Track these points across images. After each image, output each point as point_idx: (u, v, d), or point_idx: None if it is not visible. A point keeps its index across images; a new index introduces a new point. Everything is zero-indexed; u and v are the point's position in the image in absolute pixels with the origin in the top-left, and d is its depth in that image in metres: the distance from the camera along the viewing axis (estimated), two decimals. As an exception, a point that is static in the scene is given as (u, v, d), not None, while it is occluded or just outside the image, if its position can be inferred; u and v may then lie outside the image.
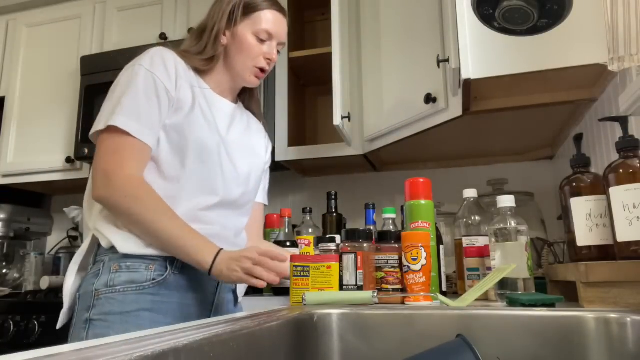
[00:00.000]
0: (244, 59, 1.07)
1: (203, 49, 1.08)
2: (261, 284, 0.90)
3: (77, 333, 0.92)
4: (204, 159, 1.01)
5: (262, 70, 1.10)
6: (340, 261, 0.91)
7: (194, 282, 1.00)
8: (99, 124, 0.96)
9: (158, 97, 0.98)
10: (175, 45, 1.09)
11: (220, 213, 1.04)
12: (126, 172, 0.93)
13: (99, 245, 0.99)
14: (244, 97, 1.22)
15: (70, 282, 1.00)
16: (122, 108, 0.95)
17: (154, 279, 0.94)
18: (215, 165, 1.02)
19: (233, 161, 1.07)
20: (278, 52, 1.13)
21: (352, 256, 0.91)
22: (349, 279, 0.90)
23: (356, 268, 0.90)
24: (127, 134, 0.93)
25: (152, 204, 0.94)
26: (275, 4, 1.11)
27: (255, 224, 1.23)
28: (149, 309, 0.92)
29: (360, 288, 0.90)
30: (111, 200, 0.93)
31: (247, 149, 1.13)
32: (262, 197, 1.25)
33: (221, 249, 0.96)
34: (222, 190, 1.03)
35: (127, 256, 0.95)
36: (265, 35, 1.08)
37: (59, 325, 0.98)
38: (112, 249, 0.96)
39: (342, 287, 0.90)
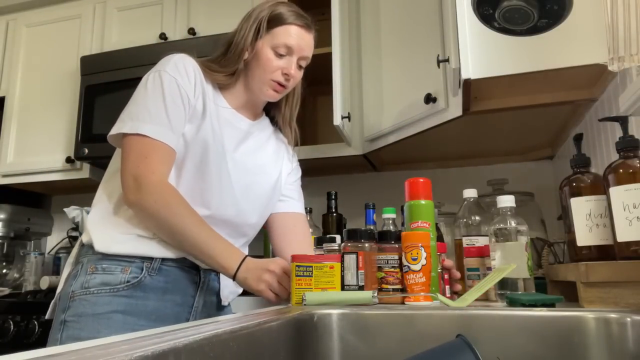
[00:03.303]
0: (260, 73, 1.06)
1: (226, 64, 1.08)
2: (274, 299, 0.96)
3: (53, 334, 0.93)
4: (203, 172, 1.01)
5: (280, 84, 1.08)
6: (342, 261, 0.91)
7: (172, 284, 0.99)
8: (123, 127, 0.97)
9: (182, 102, 1.00)
10: (175, 45, 1.09)
11: (212, 226, 1.02)
12: (156, 178, 0.95)
13: (83, 244, 1.00)
14: (273, 111, 1.22)
15: (64, 277, 1.02)
16: (149, 115, 0.97)
17: (128, 282, 0.94)
18: (213, 180, 1.02)
19: (233, 179, 1.05)
20: (302, 67, 1.11)
21: (354, 256, 0.91)
22: (350, 279, 0.90)
23: (357, 268, 0.90)
24: (156, 139, 0.96)
25: (180, 209, 0.95)
26: (300, 19, 1.09)
27: (296, 234, 1.18)
28: (122, 311, 0.93)
29: (361, 288, 0.90)
30: (142, 205, 0.94)
31: (254, 168, 1.11)
32: (300, 207, 1.23)
33: (246, 256, 0.98)
34: (214, 206, 1.03)
35: (104, 257, 0.96)
36: (284, 49, 1.06)
37: (47, 316, 1.01)
38: (92, 247, 0.97)
39: (343, 287, 0.90)
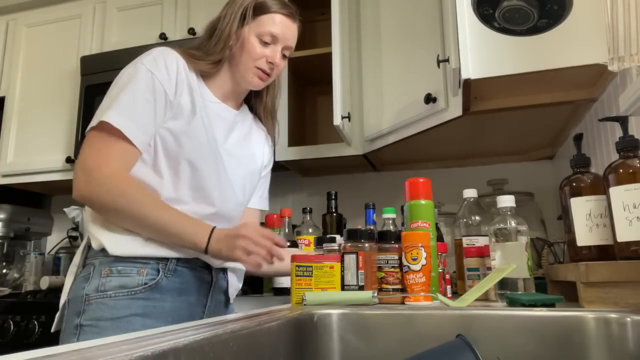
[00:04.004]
0: (245, 60, 1.05)
1: (211, 52, 1.06)
2: (254, 265, 0.92)
3: (67, 338, 0.91)
4: (199, 168, 0.99)
5: (264, 72, 1.07)
6: (342, 261, 0.91)
7: (187, 285, 0.99)
8: (93, 122, 0.94)
9: (155, 99, 0.95)
10: (175, 46, 1.08)
11: (216, 224, 1.00)
12: (108, 170, 0.91)
13: (90, 246, 0.98)
14: (254, 100, 1.21)
15: (69, 283, 0.99)
16: (118, 104, 0.93)
17: (145, 284, 0.93)
18: (211, 174, 1.01)
19: (229, 172, 1.05)
20: (285, 56, 1.11)
21: (354, 256, 0.91)
22: (350, 279, 0.90)
23: (357, 268, 0.90)
24: (117, 134, 0.91)
25: (137, 195, 0.92)
26: (285, 7, 1.09)
27: None
28: (140, 314, 0.91)
29: (361, 288, 0.90)
30: (94, 198, 0.91)
31: (244, 158, 1.11)
32: (258, 202, 1.22)
33: (214, 227, 0.95)
34: (218, 201, 1.02)
35: (118, 259, 0.93)
36: (269, 38, 1.05)
37: (53, 329, 0.98)
38: (103, 251, 0.94)
39: (343, 287, 0.90)
